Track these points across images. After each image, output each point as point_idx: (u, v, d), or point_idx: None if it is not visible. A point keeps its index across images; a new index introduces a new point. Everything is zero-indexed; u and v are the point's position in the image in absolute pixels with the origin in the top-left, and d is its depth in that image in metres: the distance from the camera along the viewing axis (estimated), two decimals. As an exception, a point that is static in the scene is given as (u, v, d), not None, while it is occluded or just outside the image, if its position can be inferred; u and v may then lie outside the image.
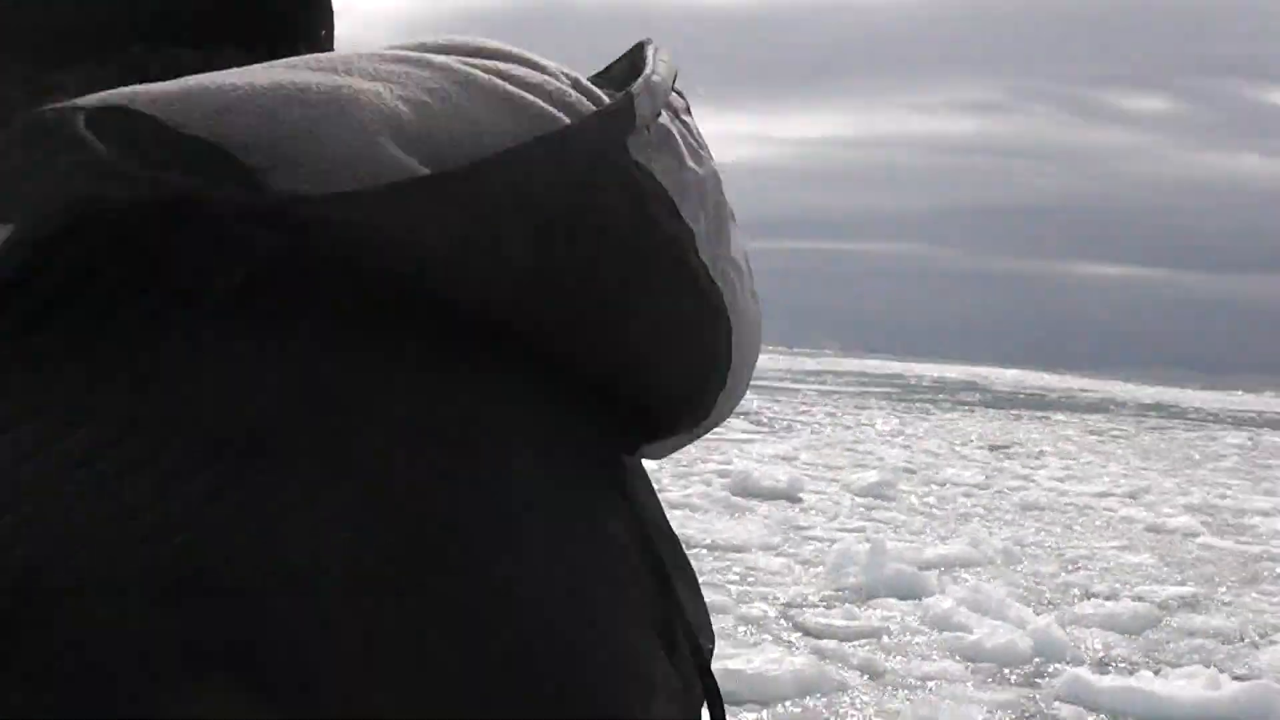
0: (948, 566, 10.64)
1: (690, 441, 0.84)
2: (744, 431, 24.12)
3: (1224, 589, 10.94)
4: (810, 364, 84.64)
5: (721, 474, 15.84)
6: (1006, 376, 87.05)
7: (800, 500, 14.51)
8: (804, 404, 35.58)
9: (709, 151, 0.76)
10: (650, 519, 0.78)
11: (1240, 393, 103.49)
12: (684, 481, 15.36)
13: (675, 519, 6.62)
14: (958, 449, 24.11)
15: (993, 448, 26.51)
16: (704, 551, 10.52)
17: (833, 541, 11.50)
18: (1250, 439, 34.70)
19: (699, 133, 0.77)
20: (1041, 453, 25.44)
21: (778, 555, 10.65)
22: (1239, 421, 47.83)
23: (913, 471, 18.82)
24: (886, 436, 26.07)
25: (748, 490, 14.60)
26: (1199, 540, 13.46)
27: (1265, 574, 11.81)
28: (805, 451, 20.52)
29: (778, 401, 35.04)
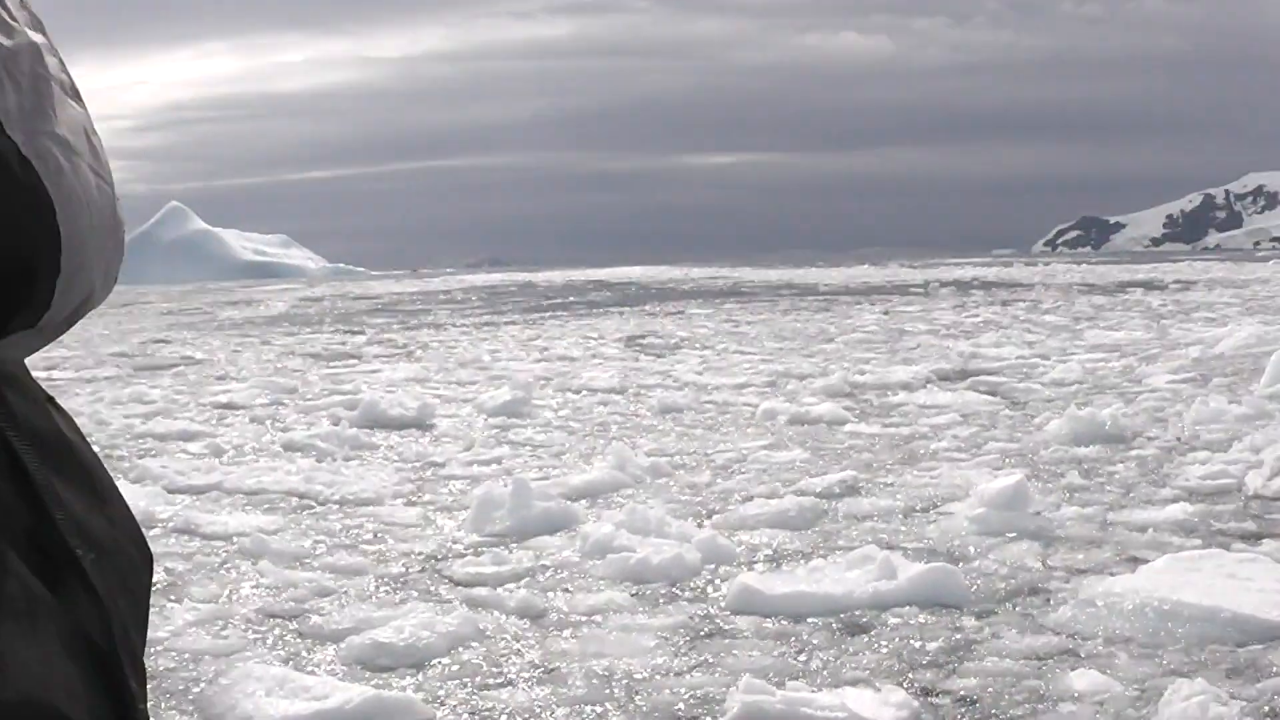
0: (596, 493, 10.04)
1: (48, 340, 0.80)
2: (375, 358, 23.25)
3: (882, 472, 10.68)
4: (437, 283, 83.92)
5: (349, 405, 15.02)
6: (635, 274, 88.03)
7: (433, 427, 13.80)
8: (434, 324, 34.81)
9: (23, 22, 0.75)
10: (18, 420, 0.78)
11: (867, 266, 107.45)
12: (309, 419, 14.48)
13: (301, 468, 8.26)
14: (593, 353, 23.70)
15: (629, 342, 26.37)
16: (334, 507, 9.69)
17: (470, 479, 10.77)
18: (885, 311, 35.44)
19: (11, 4, 0.75)
20: (677, 346, 25.33)
21: (412, 504, 9.87)
22: (869, 292, 49.25)
23: (548, 380, 18.32)
24: (521, 347, 25.55)
25: (376, 421, 13.80)
26: (847, 428, 13.21)
27: (920, 452, 11.61)
28: (437, 374, 19.76)
29: (408, 326, 34.19)
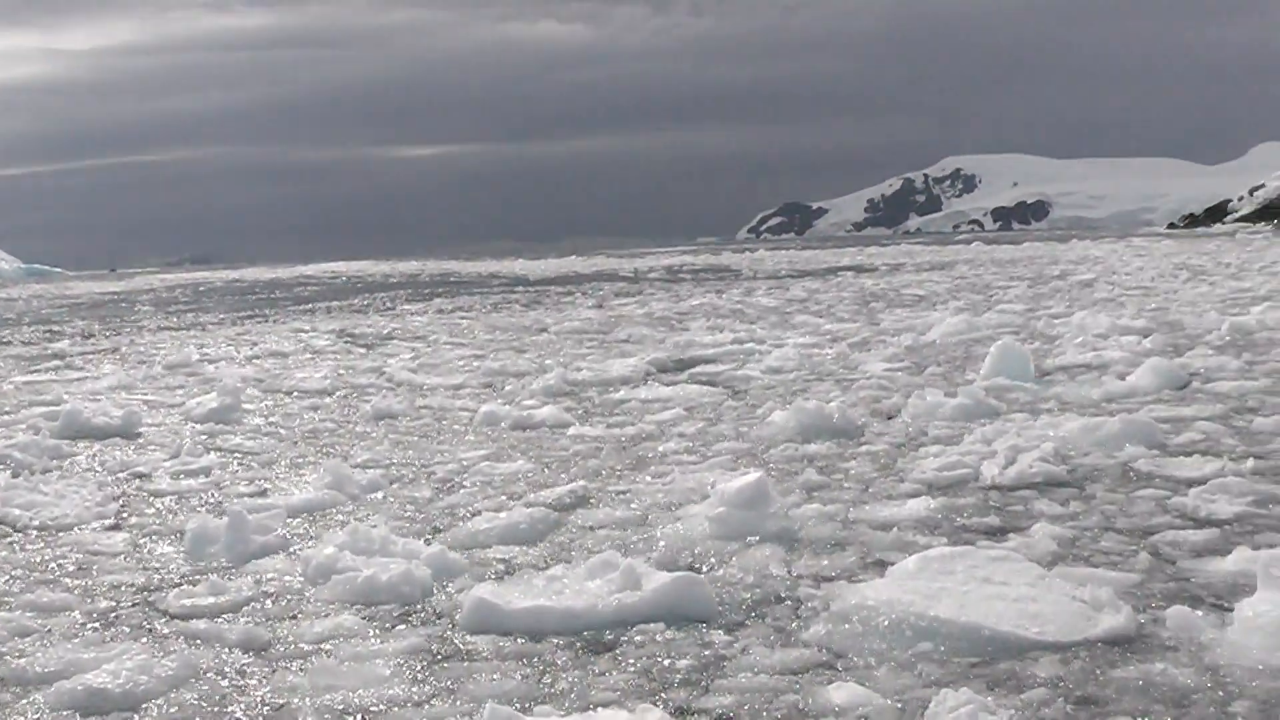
0: (313, 510, 9.57)
1: None
2: (78, 363, 22.13)
3: (613, 479, 10.39)
4: (140, 282, 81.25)
5: (50, 415, 14.17)
6: (341, 269, 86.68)
7: (138, 436, 13.11)
8: (138, 325, 33.48)
9: None
10: None
11: (574, 257, 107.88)
12: (5, 430, 13.60)
13: None
14: (303, 350, 23.03)
15: (339, 337, 25.77)
16: (32, 534, 8.99)
17: (178, 495, 10.27)
18: (599, 304, 35.31)
19: None
20: (388, 338, 24.87)
21: (118, 528, 9.21)
22: (580, 282, 49.25)
23: (259, 381, 17.66)
24: (230, 345, 24.72)
25: (79, 431, 13.04)
26: (571, 431, 12.89)
27: (649, 454, 11.36)
28: (144, 380, 18.85)
29: (111, 328, 32.81)
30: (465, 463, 11.32)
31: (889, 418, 12.46)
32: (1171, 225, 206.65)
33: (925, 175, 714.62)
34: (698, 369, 17.65)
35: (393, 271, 76.82)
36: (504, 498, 9.75)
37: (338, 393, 16.51)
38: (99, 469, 11.28)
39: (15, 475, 10.75)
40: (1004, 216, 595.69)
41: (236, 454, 12.05)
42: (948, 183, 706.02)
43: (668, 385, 15.88)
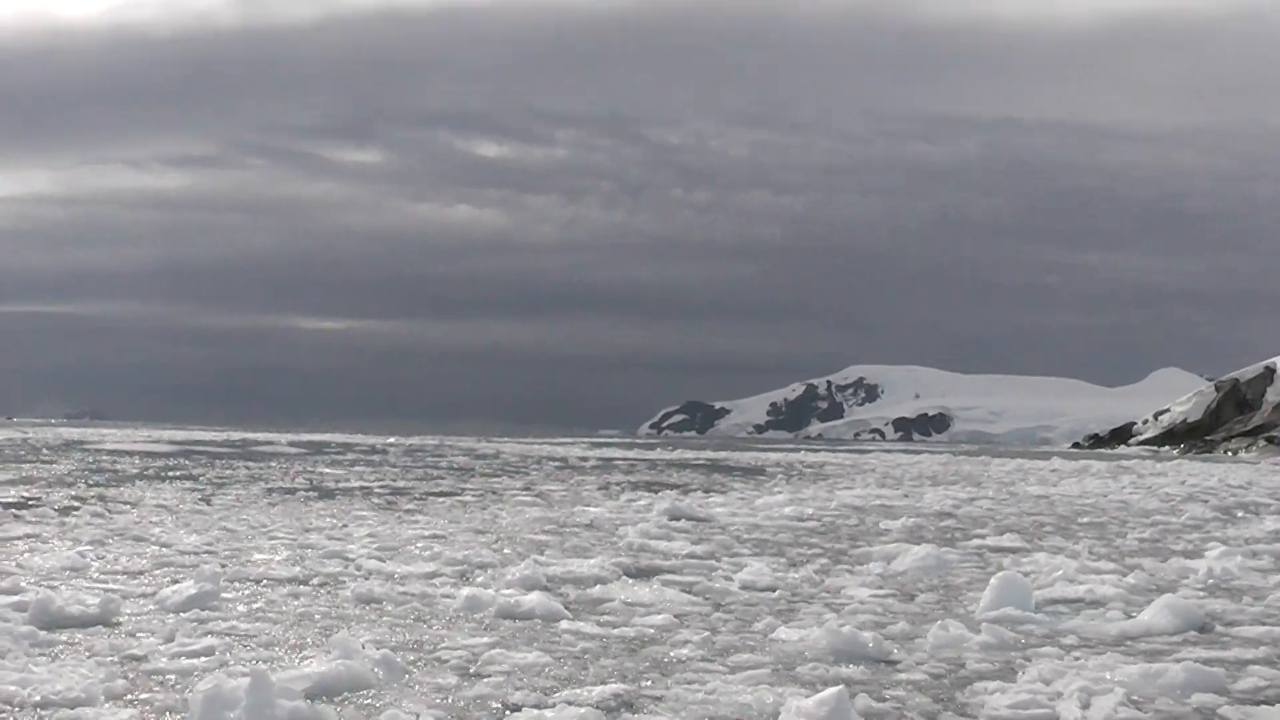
0: (334, 689, 9.03)
1: None
2: (16, 534, 20.92)
3: (645, 683, 9.87)
4: (45, 434, 79.52)
5: (19, 607, 13.24)
6: (260, 438, 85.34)
7: (120, 625, 12.12)
8: (55, 487, 32.28)
9: None
10: None
11: (476, 439, 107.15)
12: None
13: None
14: (257, 528, 22.19)
15: (290, 513, 24.87)
16: (36, 712, 8.33)
17: (182, 672, 9.63)
18: (539, 494, 34.49)
19: None
20: (342, 523, 24.03)
21: (129, 704, 8.61)
22: (508, 469, 48.44)
23: (222, 565, 16.84)
24: (172, 516, 23.78)
25: (53, 621, 11.95)
26: (564, 625, 12.42)
27: (665, 660, 10.86)
28: (96, 560, 17.87)
29: (29, 493, 31.61)
30: (473, 649, 10.83)
31: (907, 646, 11.89)
32: (1076, 445, 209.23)
33: (829, 382, 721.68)
34: (664, 575, 17.12)
35: (299, 441, 75.57)
36: (535, 691, 9.23)
37: (311, 581, 15.75)
38: (88, 653, 10.42)
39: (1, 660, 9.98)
40: (905, 427, 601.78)
41: (232, 635, 11.35)
42: (850, 390, 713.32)
43: (644, 587, 15.30)
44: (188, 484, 34.05)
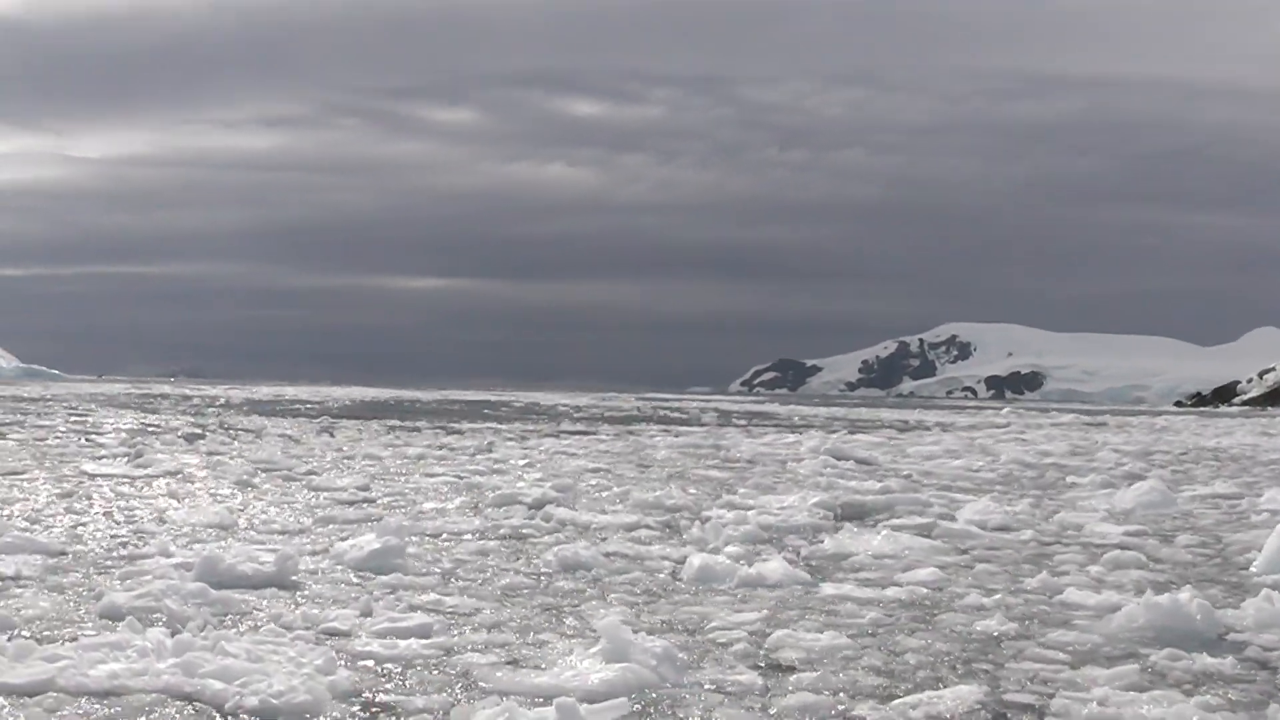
0: (619, 697, 6.94)
1: None
2: (117, 478, 19.05)
3: (1012, 680, 7.73)
4: (158, 388, 78.72)
5: (184, 564, 11.32)
6: (368, 395, 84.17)
7: (299, 586, 10.08)
8: (164, 439, 30.58)
9: None
10: None
11: (588, 396, 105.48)
12: (124, 570, 10.79)
13: (156, 645, 6.74)
14: (422, 475, 20.20)
15: (461, 465, 22.88)
16: None
17: (407, 664, 7.61)
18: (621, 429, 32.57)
19: None
20: (504, 469, 22.02)
21: (365, 712, 6.57)
22: (629, 421, 46.21)
23: (388, 509, 14.92)
24: (336, 464, 21.81)
25: (223, 579, 9.89)
26: (826, 592, 10.49)
27: (972, 634, 8.71)
28: (243, 504, 16.00)
29: (142, 439, 29.93)
30: (749, 631, 8.73)
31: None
32: (1178, 403, 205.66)
33: (921, 340, 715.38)
34: (874, 515, 15.44)
35: (418, 398, 73.86)
36: (873, 699, 7.06)
37: (497, 532, 13.87)
38: (283, 629, 8.33)
39: (175, 632, 7.90)
40: (998, 385, 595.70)
41: (447, 615, 9.19)
42: (943, 349, 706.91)
43: (869, 534, 13.36)
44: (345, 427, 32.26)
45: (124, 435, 29.81)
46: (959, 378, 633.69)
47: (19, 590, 9.66)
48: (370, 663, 7.58)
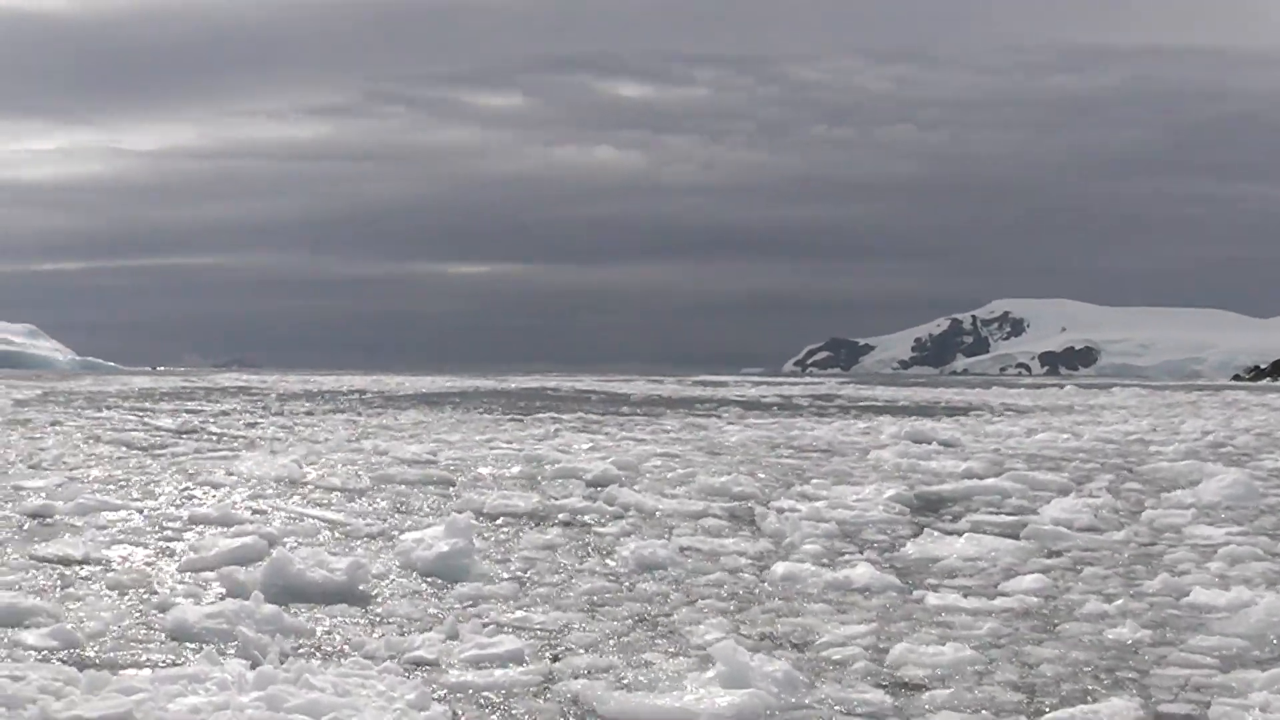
0: None
1: None
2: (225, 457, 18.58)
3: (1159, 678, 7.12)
4: (218, 379, 78.51)
5: (241, 556, 10.85)
6: (428, 384, 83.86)
7: (371, 599, 9.55)
8: (249, 422, 30.07)
9: None
10: None
11: (641, 380, 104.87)
12: (191, 578, 10.39)
13: (230, 679, 6.22)
14: (491, 457, 19.70)
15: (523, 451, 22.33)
16: None
17: (509, 693, 7.08)
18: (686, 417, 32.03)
19: None
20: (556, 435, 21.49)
21: None
22: (689, 404, 45.46)
23: (453, 503, 14.51)
24: (407, 460, 21.31)
25: (291, 589, 9.39)
26: (931, 601, 9.86)
27: (1101, 657, 8.07)
28: (309, 490, 15.57)
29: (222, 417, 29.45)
30: (860, 644, 8.17)
31: None
32: (1236, 377, 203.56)
33: (973, 317, 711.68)
34: (952, 509, 14.84)
35: (471, 387, 73.28)
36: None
37: (553, 518, 13.57)
38: (361, 656, 7.79)
39: (254, 662, 7.37)
40: (1052, 361, 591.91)
41: (528, 630, 8.67)
42: (995, 325, 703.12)
43: (951, 538, 12.72)
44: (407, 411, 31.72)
45: (184, 418, 29.45)
46: (1013, 354, 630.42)
47: (85, 579, 9.34)
48: (469, 693, 7.05)
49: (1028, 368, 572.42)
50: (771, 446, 22.37)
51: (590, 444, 22.41)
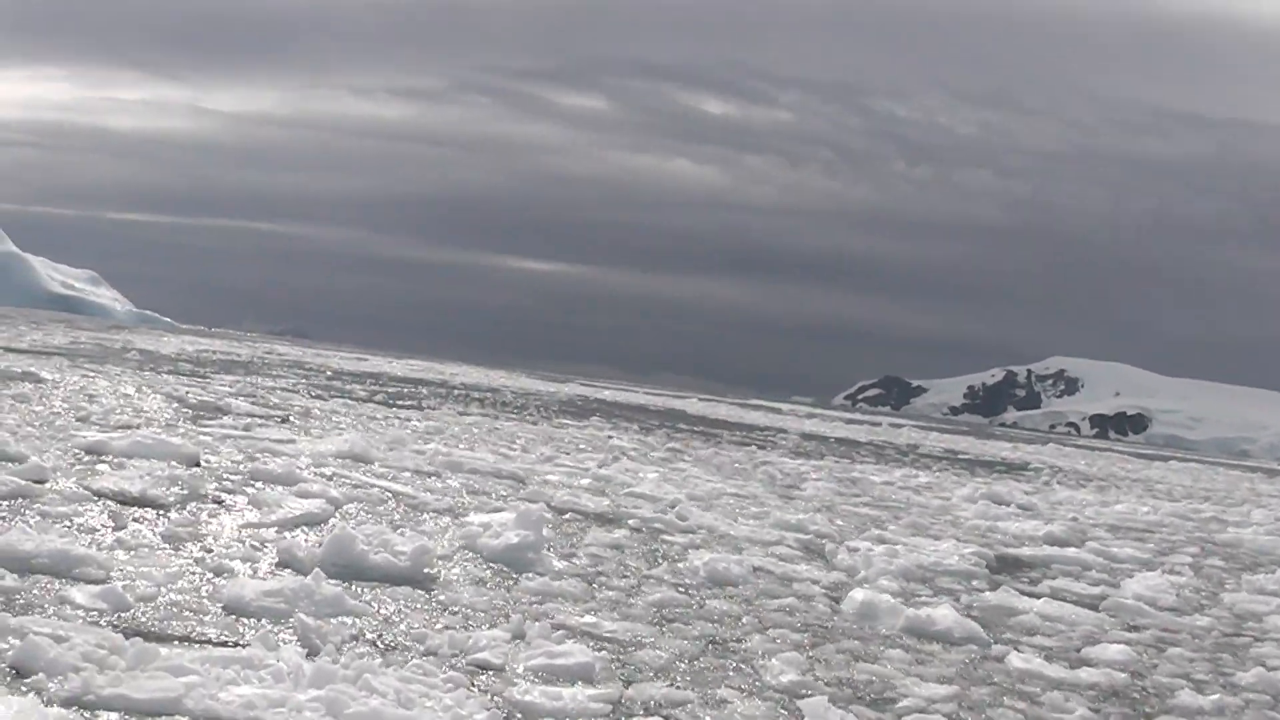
0: None
1: None
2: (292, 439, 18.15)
3: None
4: (275, 348, 78.44)
5: (296, 519, 10.55)
6: (449, 372, 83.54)
7: (435, 582, 9.27)
8: (285, 397, 29.75)
9: None
10: None
11: (695, 398, 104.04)
12: (246, 549, 10.00)
13: (285, 668, 6.11)
14: (563, 470, 19.25)
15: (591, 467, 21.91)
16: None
17: (580, 716, 6.64)
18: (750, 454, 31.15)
19: None
20: (618, 460, 21.01)
21: None
22: (749, 429, 44.73)
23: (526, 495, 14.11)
24: (479, 446, 20.88)
25: (352, 569, 9.12)
26: (1014, 664, 9.30)
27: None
28: (378, 462, 15.19)
29: (262, 393, 29.08)
30: (943, 707, 7.72)
31: None
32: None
33: (1029, 370, 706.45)
34: (1030, 572, 14.43)
35: (505, 385, 72.49)
36: None
37: (620, 519, 13.32)
38: (423, 656, 7.34)
39: (310, 651, 6.99)
40: (1102, 424, 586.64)
41: (596, 640, 8.26)
42: (1050, 381, 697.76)
43: (1029, 597, 12.22)
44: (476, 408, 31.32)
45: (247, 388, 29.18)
46: (1064, 412, 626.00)
47: (138, 523, 9.04)
48: (536, 718, 6.62)
49: (1077, 428, 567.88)
50: (840, 492, 21.74)
51: (658, 473, 21.95)
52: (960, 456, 47.51)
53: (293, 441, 16.86)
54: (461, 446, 20.18)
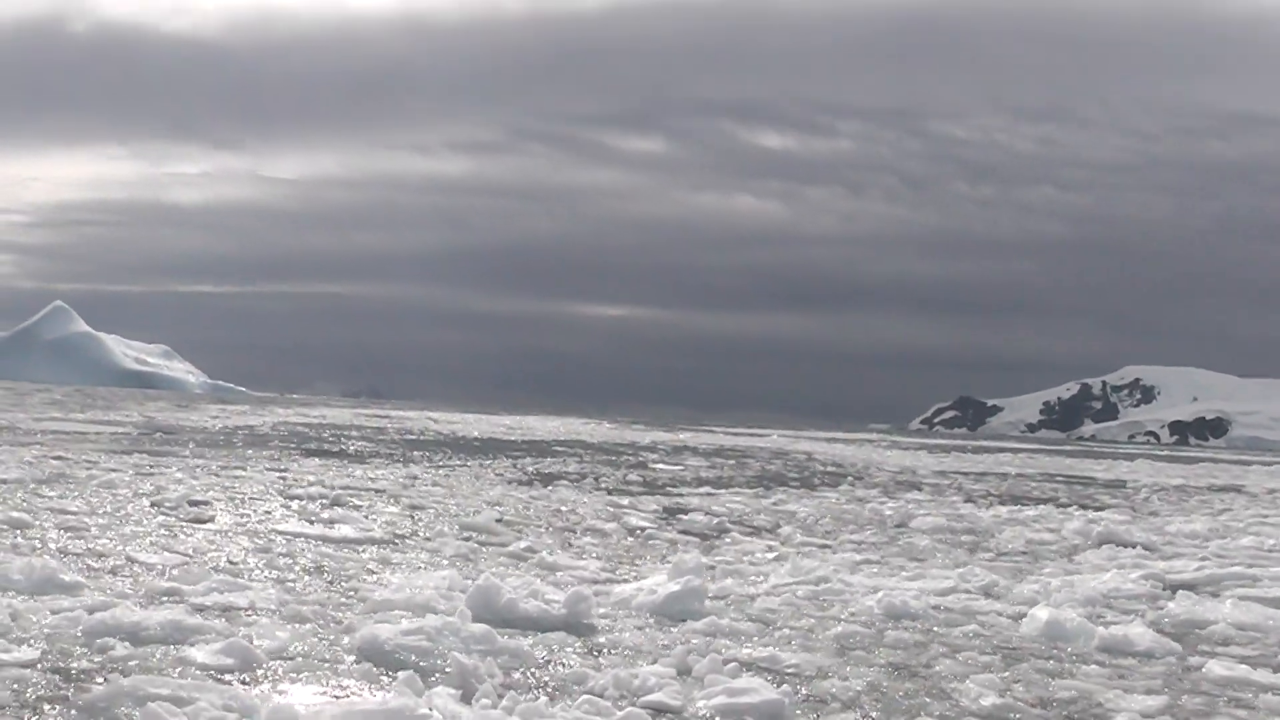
0: None
1: None
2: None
3: None
4: (345, 414, 78.27)
5: (449, 582, 9.77)
6: (529, 423, 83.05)
7: (594, 631, 8.53)
8: (392, 473, 29.25)
9: None
10: None
11: (775, 434, 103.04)
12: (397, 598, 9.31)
13: None
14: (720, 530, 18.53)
15: (669, 516, 21.21)
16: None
17: None
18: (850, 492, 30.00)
19: None
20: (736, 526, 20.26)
21: None
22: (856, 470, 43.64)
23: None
24: (601, 516, 20.22)
25: (500, 615, 8.44)
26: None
27: None
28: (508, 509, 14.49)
29: (387, 458, 28.69)
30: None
31: None
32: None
33: (1104, 382, 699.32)
34: (1205, 589, 13.37)
35: (578, 433, 71.63)
36: None
37: (782, 558, 12.43)
38: (591, 696, 6.63)
39: (466, 692, 6.30)
40: (1181, 431, 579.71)
41: (776, 673, 7.52)
42: (1126, 391, 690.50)
43: (1215, 602, 11.36)
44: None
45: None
46: (1142, 421, 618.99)
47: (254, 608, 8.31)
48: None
49: (1157, 436, 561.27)
50: (957, 544, 20.44)
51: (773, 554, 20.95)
52: (1055, 478, 46.35)
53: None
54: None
